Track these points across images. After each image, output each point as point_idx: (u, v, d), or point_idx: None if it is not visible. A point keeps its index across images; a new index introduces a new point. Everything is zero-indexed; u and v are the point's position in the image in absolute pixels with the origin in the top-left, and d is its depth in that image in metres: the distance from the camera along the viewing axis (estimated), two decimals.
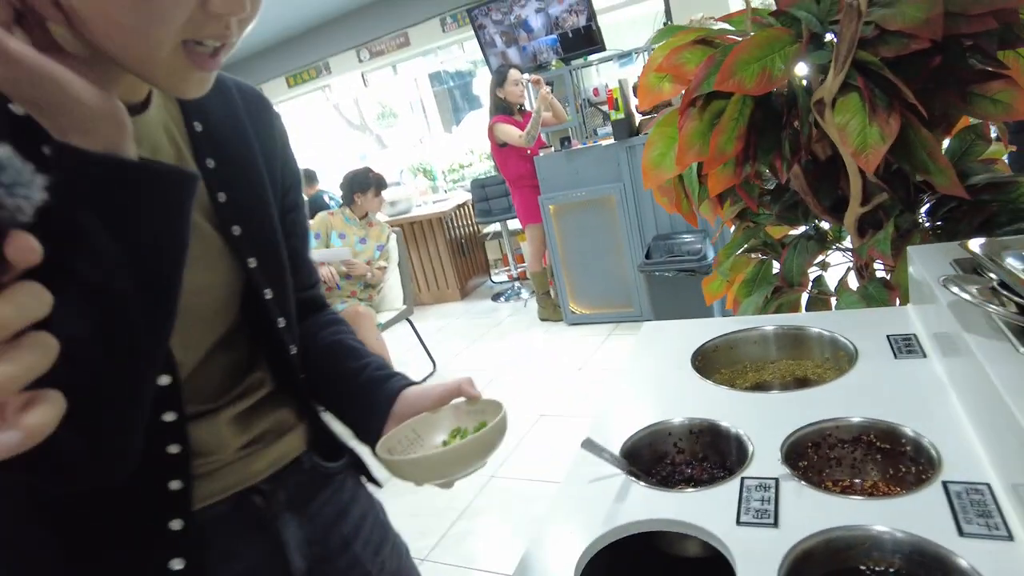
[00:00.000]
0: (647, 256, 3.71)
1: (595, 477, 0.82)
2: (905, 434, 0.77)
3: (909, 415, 0.79)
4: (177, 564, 0.63)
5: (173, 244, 0.53)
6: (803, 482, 0.72)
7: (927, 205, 1.44)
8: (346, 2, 6.16)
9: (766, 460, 0.77)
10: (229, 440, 0.69)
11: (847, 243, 1.52)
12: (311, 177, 6.14)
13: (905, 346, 0.96)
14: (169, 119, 0.66)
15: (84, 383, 0.47)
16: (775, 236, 1.66)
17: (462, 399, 0.77)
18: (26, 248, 0.29)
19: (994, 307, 0.70)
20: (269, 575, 0.73)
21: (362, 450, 0.82)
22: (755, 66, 1.21)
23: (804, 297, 1.59)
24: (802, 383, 1.05)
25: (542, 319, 4.56)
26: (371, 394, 0.78)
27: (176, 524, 0.63)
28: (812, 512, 0.67)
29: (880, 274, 1.46)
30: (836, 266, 1.59)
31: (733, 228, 1.74)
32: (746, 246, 1.66)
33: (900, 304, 1.28)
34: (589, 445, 0.80)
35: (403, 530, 0.95)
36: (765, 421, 0.85)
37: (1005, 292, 0.73)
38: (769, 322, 1.12)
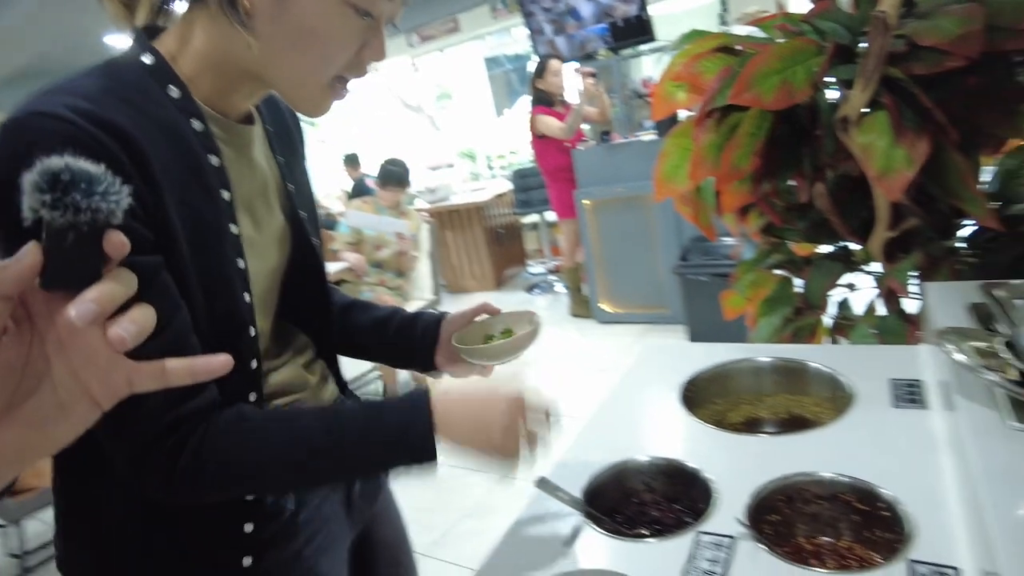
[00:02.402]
0: (683, 258, 3.61)
1: (552, 514, 0.79)
2: (882, 498, 0.70)
3: (893, 476, 0.72)
4: None
5: None
6: (762, 545, 0.67)
7: (969, 232, 1.34)
8: None
9: (731, 513, 0.72)
10: (308, 378, 0.84)
11: (877, 266, 1.42)
12: (353, 160, 6.18)
13: (907, 393, 0.89)
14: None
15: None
16: (802, 253, 1.57)
17: (486, 316, 0.93)
18: (119, 243, 0.37)
19: (989, 371, 0.63)
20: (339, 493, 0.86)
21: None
22: (775, 79, 1.13)
23: (829, 321, 1.50)
24: (798, 422, 0.99)
25: (573, 315, 4.50)
26: (416, 329, 0.93)
27: None
28: None
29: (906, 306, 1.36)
30: (868, 289, 1.49)
31: (760, 241, 1.65)
32: (769, 261, 1.58)
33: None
34: (543, 484, 0.77)
35: (410, 523, 1.05)
36: (740, 467, 0.80)
37: (1009, 354, 0.66)
38: (767, 352, 1.06)
